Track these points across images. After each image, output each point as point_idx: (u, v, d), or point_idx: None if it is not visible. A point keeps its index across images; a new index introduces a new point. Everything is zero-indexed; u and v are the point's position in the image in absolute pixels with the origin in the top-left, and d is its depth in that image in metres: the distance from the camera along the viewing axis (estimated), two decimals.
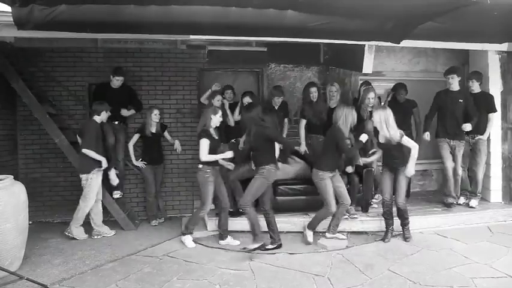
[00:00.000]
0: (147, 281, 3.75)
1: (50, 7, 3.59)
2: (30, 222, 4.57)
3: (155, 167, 5.73)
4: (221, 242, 4.81)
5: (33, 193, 5.36)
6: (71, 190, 5.90)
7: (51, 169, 5.91)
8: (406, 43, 4.93)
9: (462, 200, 5.77)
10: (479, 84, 5.66)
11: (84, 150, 4.94)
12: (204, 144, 4.57)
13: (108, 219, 5.64)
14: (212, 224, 5.19)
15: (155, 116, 5.58)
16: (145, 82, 6.10)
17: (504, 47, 5.41)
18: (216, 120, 4.70)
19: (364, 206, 5.37)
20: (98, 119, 5.11)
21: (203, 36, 4.90)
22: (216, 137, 4.76)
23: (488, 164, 5.85)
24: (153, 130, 5.64)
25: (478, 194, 5.70)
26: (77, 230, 5.03)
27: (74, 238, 4.99)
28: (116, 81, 5.56)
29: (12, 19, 3.66)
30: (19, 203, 3.89)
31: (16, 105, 5.75)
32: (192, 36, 4.87)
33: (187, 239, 4.78)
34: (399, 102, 5.82)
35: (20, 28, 3.80)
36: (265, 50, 6.31)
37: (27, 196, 4.09)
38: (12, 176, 4.02)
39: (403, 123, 5.65)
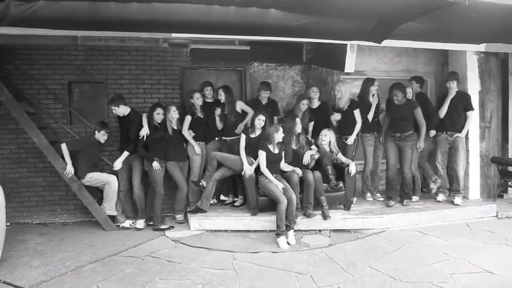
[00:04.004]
0: (129, 282, 3.71)
1: (27, 3, 3.50)
2: (8, 224, 4.48)
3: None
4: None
5: (11, 194, 5.28)
6: (50, 190, 5.79)
7: (29, 169, 5.75)
8: (387, 43, 4.98)
9: (441, 197, 5.87)
10: (457, 84, 5.79)
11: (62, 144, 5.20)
12: None
13: (90, 220, 5.58)
14: (195, 223, 5.17)
15: (174, 112, 5.42)
16: (126, 80, 5.99)
17: (482, 47, 5.51)
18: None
19: (346, 204, 5.41)
20: (96, 134, 5.41)
21: (185, 34, 4.85)
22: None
23: (466, 162, 5.98)
24: (173, 127, 5.47)
25: (461, 192, 5.81)
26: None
27: (62, 239, 4.99)
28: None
29: None
30: None
31: None
32: (174, 35, 4.82)
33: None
34: (395, 105, 5.55)
35: None
36: (248, 48, 6.27)
37: (5, 197, 3.99)
38: None
39: (401, 127, 5.60)
